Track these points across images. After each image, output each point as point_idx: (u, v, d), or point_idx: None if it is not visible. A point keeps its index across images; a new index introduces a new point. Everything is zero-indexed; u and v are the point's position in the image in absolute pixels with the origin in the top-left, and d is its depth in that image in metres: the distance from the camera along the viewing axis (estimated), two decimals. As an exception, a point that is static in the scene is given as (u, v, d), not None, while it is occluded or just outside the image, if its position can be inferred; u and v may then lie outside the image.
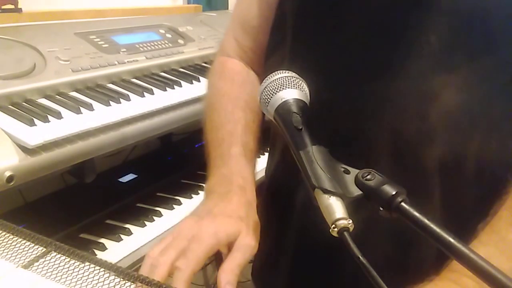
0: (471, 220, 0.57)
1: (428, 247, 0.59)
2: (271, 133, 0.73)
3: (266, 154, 0.98)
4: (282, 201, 0.70)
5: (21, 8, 1.17)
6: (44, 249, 0.47)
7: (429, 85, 0.55)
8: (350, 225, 0.40)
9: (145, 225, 0.88)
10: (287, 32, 0.64)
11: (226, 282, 0.50)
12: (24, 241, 0.48)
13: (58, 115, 0.81)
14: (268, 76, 0.53)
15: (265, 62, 0.70)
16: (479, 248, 0.51)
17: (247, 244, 0.55)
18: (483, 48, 0.54)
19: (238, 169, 0.63)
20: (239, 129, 0.67)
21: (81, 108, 0.85)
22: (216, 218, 0.56)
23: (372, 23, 0.57)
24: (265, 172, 0.78)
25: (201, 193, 1.01)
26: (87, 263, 0.45)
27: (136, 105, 0.93)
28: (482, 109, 0.55)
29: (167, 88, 1.03)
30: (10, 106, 0.81)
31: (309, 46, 0.62)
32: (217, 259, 0.55)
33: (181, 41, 1.26)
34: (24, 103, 0.83)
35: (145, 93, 0.98)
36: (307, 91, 0.52)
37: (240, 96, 0.71)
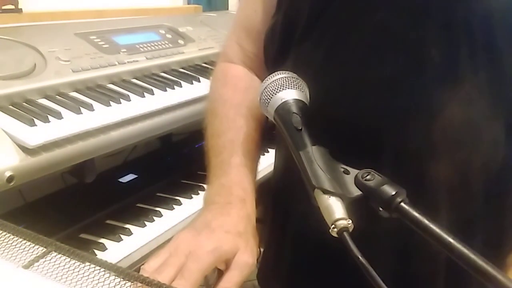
0: (480, 232, 0.56)
1: (435, 258, 0.57)
2: (276, 135, 0.72)
3: (266, 154, 0.98)
4: (284, 204, 0.70)
5: (21, 9, 1.17)
6: (44, 249, 0.47)
7: (432, 100, 0.54)
8: (349, 225, 0.40)
9: (145, 225, 0.88)
10: (293, 40, 0.62)
11: None
12: (24, 241, 0.48)
13: (58, 115, 0.81)
14: (268, 77, 0.53)
15: (267, 69, 0.68)
16: None
17: (245, 261, 0.54)
18: (487, 61, 0.53)
19: (238, 180, 0.62)
20: (240, 137, 0.66)
21: (81, 108, 0.85)
22: (214, 233, 0.54)
23: (372, 38, 0.56)
24: (273, 174, 0.77)
25: (201, 193, 1.01)
26: (87, 263, 0.45)
27: (136, 105, 0.93)
28: (487, 121, 0.54)
29: (167, 89, 1.03)
30: (10, 106, 0.81)
31: (312, 57, 0.60)
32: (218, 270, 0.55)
33: (181, 42, 1.26)
34: (24, 103, 0.83)
35: (145, 94, 0.98)
36: (307, 92, 0.53)
37: (242, 102, 0.69)
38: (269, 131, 0.72)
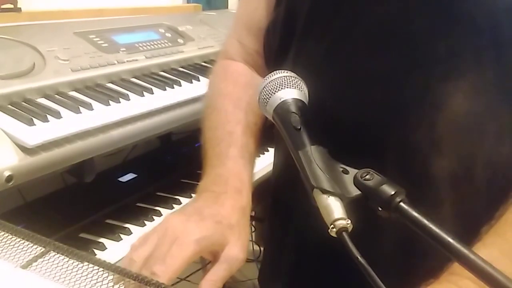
0: (484, 226, 0.56)
1: (436, 257, 0.57)
2: (275, 133, 0.72)
3: (266, 153, 0.98)
4: (284, 204, 0.69)
5: (20, 8, 1.17)
6: (43, 249, 0.47)
7: (436, 94, 0.54)
8: (349, 225, 0.40)
9: (145, 225, 0.88)
10: (294, 34, 0.62)
11: None
12: (23, 241, 0.48)
13: (58, 115, 0.81)
14: (267, 76, 0.53)
15: (268, 65, 0.68)
16: (482, 251, 0.50)
17: (234, 256, 0.53)
18: (493, 55, 0.53)
19: (236, 171, 0.61)
20: (239, 130, 0.65)
21: (80, 107, 0.85)
22: (203, 221, 0.53)
23: (377, 31, 0.56)
24: (272, 173, 0.77)
25: (201, 192, 1.01)
26: (86, 263, 0.45)
27: (135, 104, 0.93)
28: (491, 115, 0.54)
29: (166, 88, 1.03)
30: (9, 106, 0.81)
31: (314, 51, 0.60)
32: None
33: (180, 41, 1.26)
34: (23, 103, 0.83)
35: (144, 93, 0.98)
36: (306, 91, 0.52)
37: (242, 97, 0.69)
38: (268, 130, 0.72)
